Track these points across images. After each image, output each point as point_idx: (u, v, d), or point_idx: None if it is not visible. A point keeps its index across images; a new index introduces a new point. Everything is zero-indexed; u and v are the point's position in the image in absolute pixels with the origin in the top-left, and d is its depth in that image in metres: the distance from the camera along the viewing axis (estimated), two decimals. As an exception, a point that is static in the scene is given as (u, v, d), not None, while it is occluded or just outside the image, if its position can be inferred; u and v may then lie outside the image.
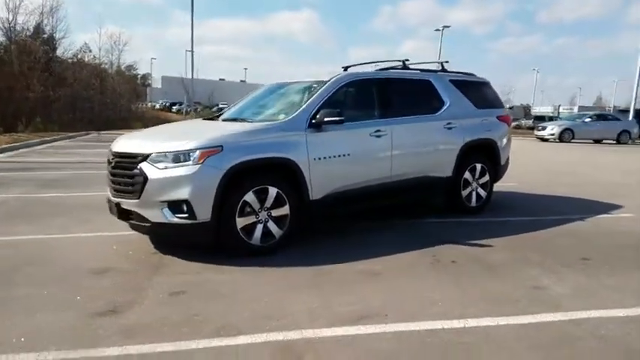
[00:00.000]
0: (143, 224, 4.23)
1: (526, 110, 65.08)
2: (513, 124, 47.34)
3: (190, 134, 4.47)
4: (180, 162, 4.07)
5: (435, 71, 6.18)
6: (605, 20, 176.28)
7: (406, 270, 4.04)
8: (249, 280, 3.77)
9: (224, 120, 5.45)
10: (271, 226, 4.41)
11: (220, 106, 60.61)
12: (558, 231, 5.48)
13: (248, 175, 4.25)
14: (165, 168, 4.07)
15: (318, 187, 4.65)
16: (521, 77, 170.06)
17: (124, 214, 4.36)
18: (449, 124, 5.82)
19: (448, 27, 45.56)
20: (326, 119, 4.61)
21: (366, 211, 5.72)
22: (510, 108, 77.98)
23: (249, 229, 4.31)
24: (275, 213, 4.42)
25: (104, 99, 32.89)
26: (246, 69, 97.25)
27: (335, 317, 3.11)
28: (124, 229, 5.00)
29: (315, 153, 4.60)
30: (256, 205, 4.31)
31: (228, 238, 4.22)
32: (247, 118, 5.18)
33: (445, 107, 5.86)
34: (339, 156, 4.80)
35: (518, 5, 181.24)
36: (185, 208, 4.05)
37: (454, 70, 6.47)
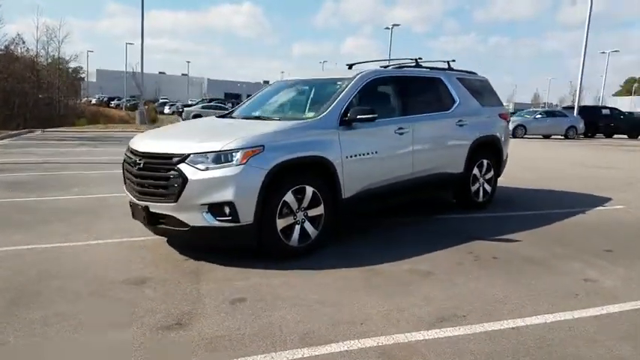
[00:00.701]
0: (179, 229, 4.01)
1: None
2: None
3: (224, 133, 4.27)
4: (221, 162, 3.89)
5: (444, 69, 6.27)
6: (536, 20, 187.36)
7: (455, 268, 4.08)
8: (305, 283, 3.67)
9: (244, 118, 5.25)
10: (307, 226, 4.32)
11: (161, 100, 58.90)
12: (567, 224, 5.73)
13: (287, 175, 4.13)
14: (207, 169, 3.87)
15: (349, 186, 4.59)
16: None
17: (153, 219, 4.12)
18: (460, 121, 5.93)
19: (398, 25, 46.45)
20: (359, 117, 4.56)
21: (383, 209, 5.73)
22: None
23: (288, 230, 4.20)
24: (311, 213, 4.33)
25: (41, 94, 30.96)
26: (189, 62, 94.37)
27: (415, 320, 3.08)
28: (133, 235, 4.80)
29: (347, 151, 4.54)
30: (294, 206, 4.20)
31: (268, 239, 4.08)
32: (271, 116, 5.03)
33: (456, 105, 5.96)
34: (369, 154, 4.77)
35: (456, 4, 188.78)
36: (228, 211, 3.88)
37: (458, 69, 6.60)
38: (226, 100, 52.94)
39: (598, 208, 6.69)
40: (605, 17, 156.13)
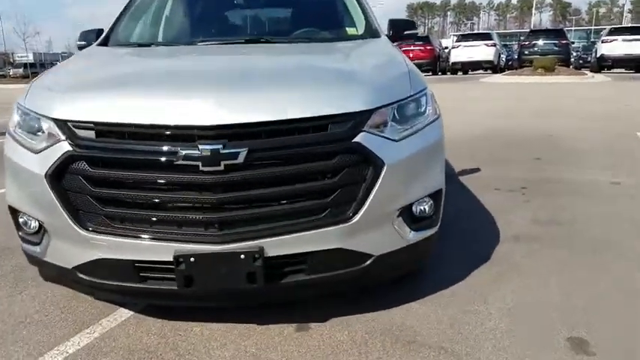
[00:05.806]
0: (346, 270, 1.95)
1: (6, 58, 61.75)
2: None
3: (346, 69, 2.22)
4: (410, 119, 2.07)
5: None
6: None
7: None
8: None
9: (212, 43, 2.86)
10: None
11: None
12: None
13: None
14: (402, 138, 1.99)
15: None
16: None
17: (277, 271, 1.88)
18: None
19: None
20: (406, 32, 3.33)
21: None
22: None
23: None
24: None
25: None
26: None
27: None
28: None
29: None
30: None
31: None
32: (277, 37, 2.95)
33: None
34: None
35: None
36: (427, 211, 2.13)
37: None
38: None
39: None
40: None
